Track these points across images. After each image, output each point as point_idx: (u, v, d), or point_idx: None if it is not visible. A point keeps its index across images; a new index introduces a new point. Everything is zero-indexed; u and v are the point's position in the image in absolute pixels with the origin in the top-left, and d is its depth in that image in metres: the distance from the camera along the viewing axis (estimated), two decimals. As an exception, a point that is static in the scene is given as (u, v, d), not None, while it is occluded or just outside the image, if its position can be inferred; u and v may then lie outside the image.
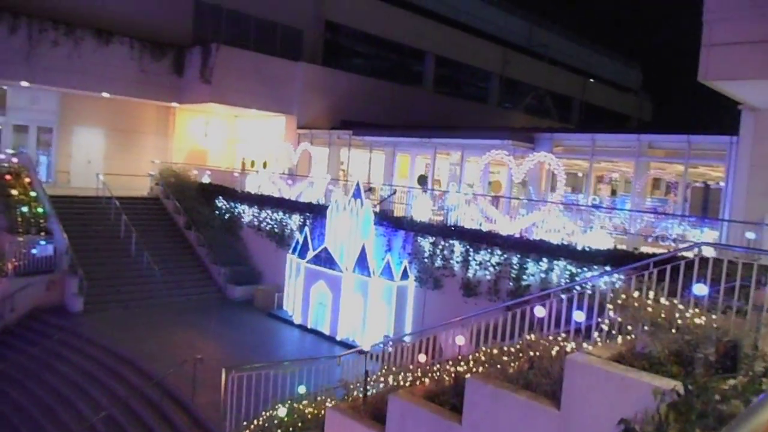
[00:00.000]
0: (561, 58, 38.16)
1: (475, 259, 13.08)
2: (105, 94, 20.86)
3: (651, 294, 4.91)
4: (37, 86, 19.90)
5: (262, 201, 19.29)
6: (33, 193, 17.35)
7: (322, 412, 7.24)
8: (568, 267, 11.39)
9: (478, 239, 13.15)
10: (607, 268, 10.33)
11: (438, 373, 6.31)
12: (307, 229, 16.74)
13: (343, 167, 23.13)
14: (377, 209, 15.95)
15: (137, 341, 13.53)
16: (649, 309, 4.73)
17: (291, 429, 7.54)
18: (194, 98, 21.72)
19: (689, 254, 5.68)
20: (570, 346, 5.26)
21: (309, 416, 7.55)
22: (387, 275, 14.31)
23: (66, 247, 16.32)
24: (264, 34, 24.46)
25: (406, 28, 28.58)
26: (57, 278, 15.98)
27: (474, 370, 5.94)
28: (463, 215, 14.54)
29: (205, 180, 21.94)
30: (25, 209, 16.59)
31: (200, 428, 10.04)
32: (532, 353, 5.43)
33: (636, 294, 4.93)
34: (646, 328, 4.72)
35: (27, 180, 17.70)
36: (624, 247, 12.19)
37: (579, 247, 11.57)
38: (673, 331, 4.56)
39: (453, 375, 6.04)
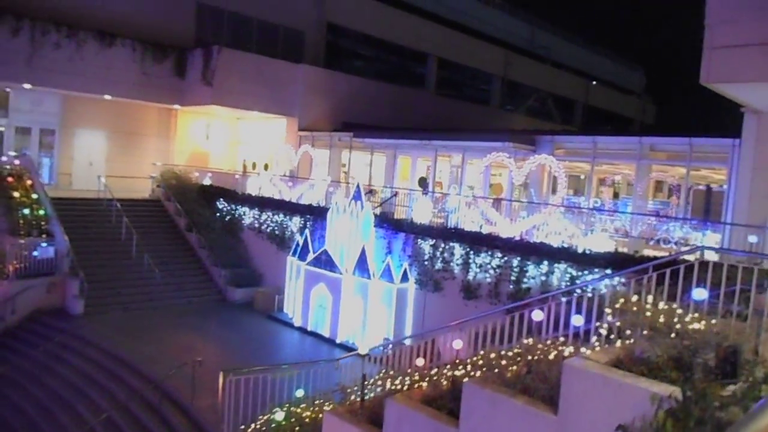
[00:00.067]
0: (563, 61, 38.09)
1: (475, 262, 13.03)
2: (107, 97, 20.89)
3: (650, 298, 4.85)
4: (39, 88, 19.93)
5: (262, 203, 19.28)
6: (34, 196, 17.38)
7: (320, 415, 7.20)
8: (569, 270, 11.33)
9: (478, 242, 13.10)
10: (608, 272, 10.26)
11: (436, 377, 6.26)
12: (307, 231, 16.72)
13: (344, 169, 23.11)
14: (377, 211, 15.92)
15: (137, 344, 13.51)
16: (648, 313, 4.69)
17: (288, 433, 7.50)
18: (196, 100, 21.74)
19: (690, 258, 5.63)
20: (568, 350, 5.21)
21: (307, 420, 7.51)
22: (387, 278, 14.27)
23: (67, 249, 16.32)
24: (266, 36, 24.49)
25: (407, 30, 28.57)
26: (58, 280, 15.99)
27: (472, 374, 5.89)
28: (464, 218, 14.49)
29: (207, 182, 21.95)
30: (26, 211, 16.62)
31: (199, 431, 10.01)
32: (530, 357, 5.38)
33: (635, 298, 4.88)
34: (645, 332, 4.67)
35: (29, 182, 17.73)
36: (625, 250, 12.13)
37: (580, 250, 11.51)
38: (673, 335, 4.51)
39: (451, 379, 5.99)
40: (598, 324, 5.24)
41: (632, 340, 4.82)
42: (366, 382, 6.83)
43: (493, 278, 12.73)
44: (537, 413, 4.83)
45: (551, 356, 5.23)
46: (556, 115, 37.05)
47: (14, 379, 13.21)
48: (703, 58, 9.25)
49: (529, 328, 6.10)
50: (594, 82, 39.89)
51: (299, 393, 8.27)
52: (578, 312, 5.66)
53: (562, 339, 5.64)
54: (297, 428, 7.48)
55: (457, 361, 6.25)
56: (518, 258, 12.25)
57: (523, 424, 4.93)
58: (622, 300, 4.87)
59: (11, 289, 15.12)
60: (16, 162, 18.31)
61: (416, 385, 6.39)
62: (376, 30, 27.83)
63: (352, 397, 6.98)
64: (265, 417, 7.88)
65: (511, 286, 12.31)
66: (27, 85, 19.47)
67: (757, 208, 11.19)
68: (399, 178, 21.52)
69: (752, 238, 9.20)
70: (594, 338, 5.25)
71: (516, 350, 5.72)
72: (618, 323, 4.98)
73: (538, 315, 5.79)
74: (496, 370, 5.40)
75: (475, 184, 16.66)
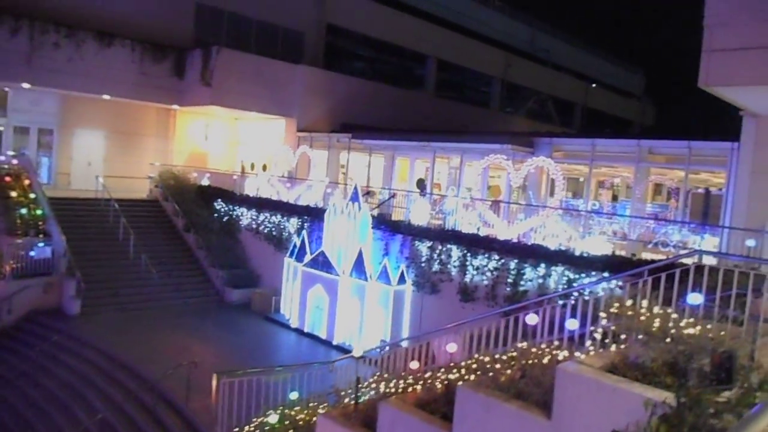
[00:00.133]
0: (563, 63, 38.08)
1: (472, 264, 12.99)
2: (106, 96, 20.86)
3: (645, 302, 4.81)
4: (38, 88, 19.90)
5: (260, 204, 19.25)
6: (32, 195, 17.34)
7: (314, 418, 7.15)
8: (566, 273, 11.29)
9: (475, 244, 13.07)
10: (605, 275, 10.22)
11: (430, 381, 6.21)
12: (304, 232, 16.69)
13: (343, 170, 23.08)
14: (375, 213, 15.88)
15: (133, 344, 13.47)
16: (643, 318, 4.64)
17: (282, 435, 7.46)
18: (195, 101, 21.71)
19: (688, 261, 5.58)
20: (562, 354, 5.17)
21: (301, 423, 7.46)
22: (384, 279, 14.23)
23: (64, 249, 16.28)
24: (265, 36, 24.47)
25: (407, 31, 28.55)
26: (54, 281, 15.94)
27: (466, 377, 5.85)
28: (461, 219, 14.46)
29: (205, 182, 21.92)
30: (24, 211, 16.58)
31: (193, 433, 9.96)
32: (524, 362, 5.34)
33: (629, 302, 4.84)
34: (639, 337, 4.63)
35: (26, 182, 17.69)
36: (623, 253, 12.09)
37: (577, 253, 11.47)
38: (668, 340, 4.47)
39: (445, 383, 5.95)
40: (592, 328, 5.20)
41: (627, 345, 4.78)
42: (360, 385, 6.79)
43: (490, 280, 12.68)
44: (531, 418, 4.78)
45: (545, 360, 5.18)
46: (556, 118, 37.03)
47: (10, 379, 13.16)
48: (701, 61, 9.23)
49: (524, 332, 6.06)
50: (594, 85, 39.88)
51: (293, 395, 8.23)
52: (573, 316, 5.62)
53: (556, 343, 5.60)
54: (290, 431, 7.43)
55: (452, 364, 6.21)
56: (515, 260, 12.21)
57: (517, 429, 4.88)
58: (617, 304, 4.83)
59: (8, 289, 15.08)
60: (14, 162, 18.28)
61: (410, 389, 6.35)
62: (376, 31, 27.81)
63: (346, 400, 6.94)
64: (259, 419, 7.83)
65: (508, 289, 12.27)
66: (26, 85, 19.45)
67: (755, 212, 11.15)
68: (397, 179, 21.49)
69: (750, 242, 9.17)
70: (588, 342, 5.21)
71: (510, 354, 5.68)
72: (613, 327, 4.94)
73: (532, 319, 5.75)
74: (491, 374, 5.35)
75: (474, 185, 16.60)
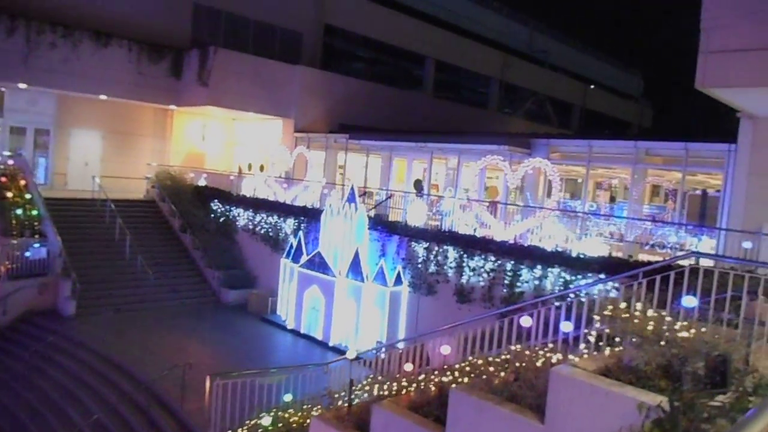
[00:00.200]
0: (561, 64, 38.08)
1: (468, 265, 12.95)
2: (103, 97, 20.80)
3: (639, 305, 4.77)
4: (34, 88, 19.84)
5: (257, 204, 19.19)
6: (28, 196, 17.27)
7: (308, 421, 7.10)
8: (562, 274, 11.26)
9: (472, 245, 13.03)
10: (601, 276, 10.19)
11: (423, 383, 6.17)
12: (301, 233, 16.64)
13: (341, 171, 23.04)
14: (372, 214, 15.83)
15: (129, 345, 13.41)
16: (636, 321, 4.61)
17: (276, 438, 7.40)
18: (192, 101, 21.66)
19: (684, 263, 5.55)
20: (556, 357, 5.13)
21: (294, 425, 7.41)
22: (380, 281, 14.19)
23: (60, 249, 16.21)
24: (263, 37, 24.42)
25: (405, 32, 28.52)
26: (50, 281, 15.87)
27: (460, 380, 5.81)
28: (458, 220, 14.42)
29: (201, 183, 21.86)
30: (19, 212, 16.51)
31: (187, 435, 9.90)
32: (518, 364, 5.30)
33: (623, 305, 4.80)
34: (633, 340, 4.59)
35: (22, 182, 17.61)
36: (620, 254, 12.06)
37: (573, 255, 11.44)
38: (662, 343, 4.43)
39: (438, 385, 5.90)
40: (586, 331, 5.16)
41: (621, 348, 4.74)
42: (354, 387, 6.74)
43: (486, 282, 12.65)
44: (524, 421, 4.74)
45: (539, 363, 5.14)
46: (554, 119, 37.02)
47: (4, 380, 13.09)
48: (698, 63, 9.21)
49: (518, 334, 6.02)
50: (592, 86, 39.88)
51: (287, 397, 8.18)
52: (568, 318, 5.58)
53: (551, 345, 5.56)
54: (284, 433, 7.39)
55: (446, 366, 6.17)
56: (512, 262, 12.17)
57: (510, 433, 4.84)
58: (610, 307, 4.79)
59: (3, 289, 15.00)
60: (10, 162, 18.20)
61: (404, 391, 6.30)
62: (374, 32, 27.77)
63: (340, 403, 6.89)
64: (252, 422, 7.78)
65: (505, 290, 12.24)
66: (22, 85, 19.38)
67: (752, 214, 11.13)
68: (395, 180, 21.45)
69: (746, 244, 9.14)
70: (583, 345, 5.17)
71: (504, 356, 5.64)
72: (607, 330, 4.91)
73: (526, 321, 5.71)
74: (484, 377, 5.31)
75: (471, 186, 16.58)
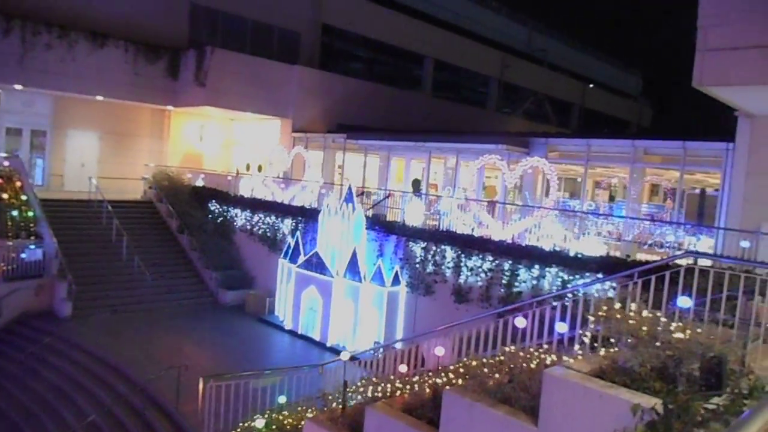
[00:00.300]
0: (560, 64, 38.01)
1: (466, 265, 12.89)
2: (99, 97, 20.74)
3: (633, 306, 4.71)
4: (30, 89, 19.76)
5: (254, 205, 19.13)
6: (24, 197, 17.20)
7: (302, 423, 7.04)
8: (560, 274, 11.20)
9: (469, 245, 12.97)
10: (599, 276, 10.13)
11: (417, 385, 6.11)
12: (298, 233, 16.58)
13: (340, 171, 22.98)
14: (370, 213, 15.77)
15: (125, 347, 13.35)
16: (631, 321, 4.54)
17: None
18: (189, 101, 21.60)
19: (681, 262, 5.48)
20: (550, 358, 5.07)
21: (288, 427, 7.35)
22: (378, 281, 14.13)
23: (56, 251, 16.15)
24: (260, 37, 24.36)
25: (404, 31, 28.45)
26: (46, 283, 15.81)
27: (454, 382, 5.75)
28: (456, 220, 14.36)
29: (199, 183, 21.80)
30: (15, 213, 16.44)
31: (183, 437, 9.85)
32: (511, 366, 5.23)
33: (618, 305, 4.74)
34: (628, 341, 4.53)
35: (18, 184, 17.55)
36: (618, 254, 12.00)
37: (571, 254, 11.37)
38: (657, 344, 4.37)
39: (432, 387, 5.84)
40: (581, 332, 5.10)
41: (616, 349, 4.68)
42: (348, 389, 6.68)
43: (484, 282, 12.59)
44: (517, 423, 4.68)
45: (533, 365, 5.08)
46: (553, 118, 36.96)
47: (-1, 382, 13.03)
48: (695, 61, 9.15)
49: (513, 335, 5.96)
50: (591, 85, 39.82)
51: (281, 399, 8.12)
52: (563, 319, 5.51)
53: (545, 346, 5.50)
54: (278, 436, 7.33)
55: (440, 368, 6.11)
56: (510, 261, 12.11)
57: (503, 435, 4.78)
58: (605, 307, 4.73)
59: (-1, 291, 14.95)
60: (6, 163, 18.13)
61: (398, 393, 6.24)
62: (372, 31, 27.70)
63: (334, 405, 6.83)
64: (246, 424, 7.72)
65: (503, 290, 12.17)
66: (18, 86, 19.31)
67: (750, 213, 11.08)
68: (394, 179, 21.38)
69: (744, 243, 9.09)
70: (577, 346, 5.11)
71: (498, 358, 5.58)
72: (601, 331, 4.84)
73: (520, 322, 5.65)
74: (477, 379, 5.24)
75: (469, 186, 16.51)
